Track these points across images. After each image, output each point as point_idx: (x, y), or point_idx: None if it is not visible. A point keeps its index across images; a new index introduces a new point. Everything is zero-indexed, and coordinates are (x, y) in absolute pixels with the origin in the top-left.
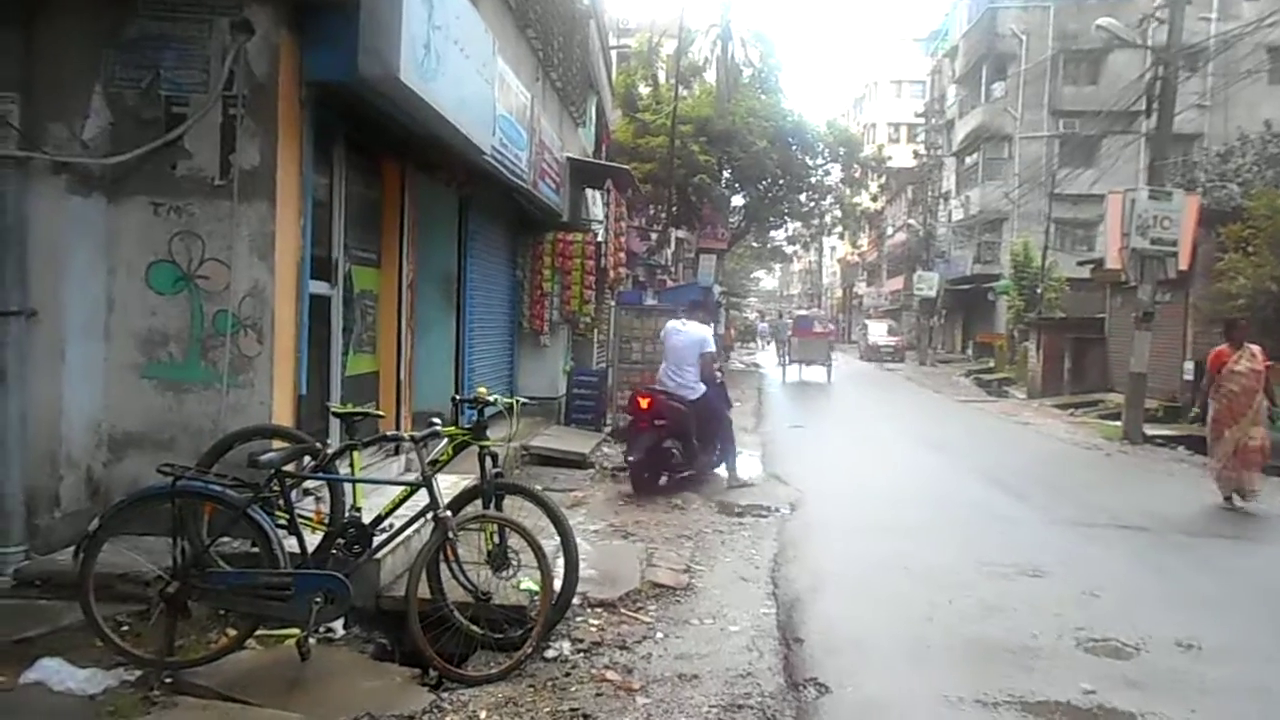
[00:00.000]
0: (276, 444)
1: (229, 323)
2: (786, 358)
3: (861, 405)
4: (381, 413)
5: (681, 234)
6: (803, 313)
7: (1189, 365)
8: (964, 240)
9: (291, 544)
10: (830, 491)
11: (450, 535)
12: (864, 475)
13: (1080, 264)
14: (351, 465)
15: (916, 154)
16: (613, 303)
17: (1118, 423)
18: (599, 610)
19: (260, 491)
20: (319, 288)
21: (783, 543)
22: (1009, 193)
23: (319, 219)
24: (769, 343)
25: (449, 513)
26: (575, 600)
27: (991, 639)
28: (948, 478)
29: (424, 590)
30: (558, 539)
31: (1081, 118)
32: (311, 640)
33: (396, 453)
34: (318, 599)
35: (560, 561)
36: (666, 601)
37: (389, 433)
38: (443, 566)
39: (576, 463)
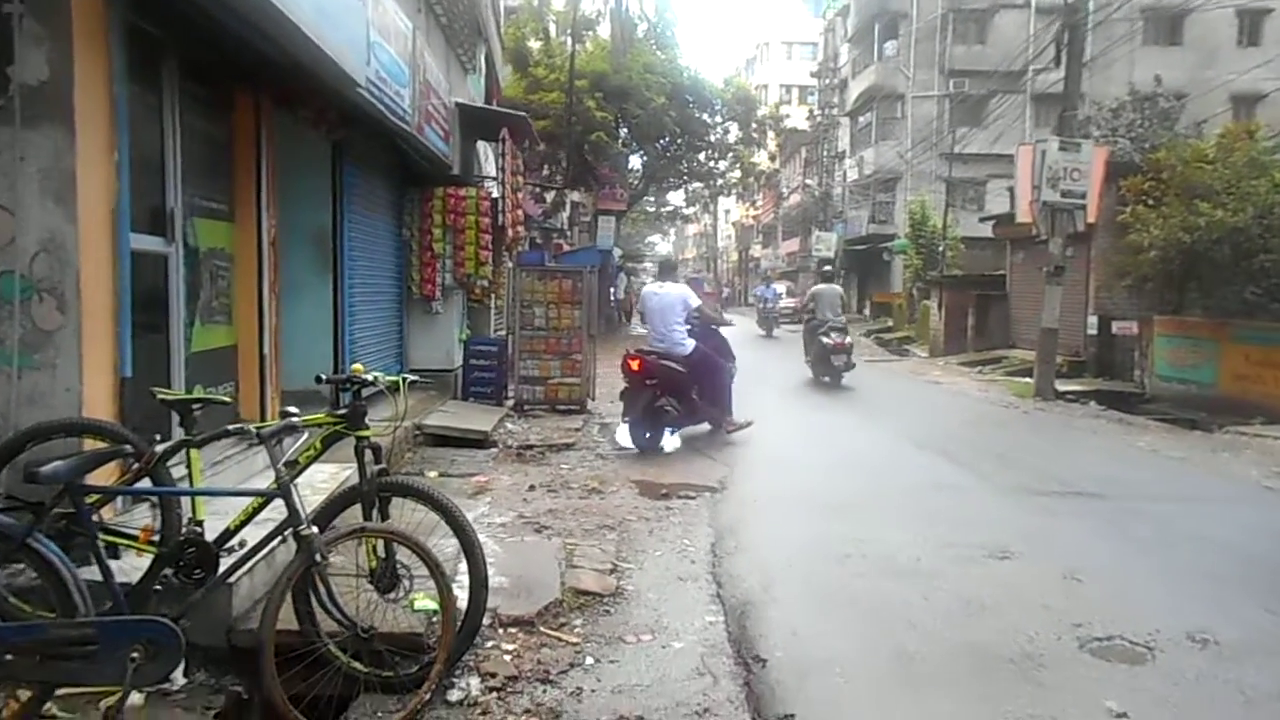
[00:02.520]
0: (89, 443)
1: (15, 287)
2: None
3: (770, 368)
4: (226, 398)
5: (577, 197)
6: (693, 276)
7: (1093, 320)
8: (860, 200)
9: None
10: (759, 464)
11: (317, 558)
12: (790, 443)
13: (982, 220)
14: (189, 468)
15: (810, 115)
16: (511, 265)
17: (1026, 379)
18: (514, 631)
19: (45, 513)
20: (148, 243)
21: (719, 529)
22: (903, 153)
23: (145, 158)
24: None
25: (314, 529)
26: (484, 620)
27: (985, 646)
28: (877, 443)
29: (292, 620)
30: (459, 545)
31: (972, 77)
32: (136, 698)
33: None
34: (134, 653)
35: (464, 578)
36: (594, 612)
37: (231, 426)
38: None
39: (477, 442)
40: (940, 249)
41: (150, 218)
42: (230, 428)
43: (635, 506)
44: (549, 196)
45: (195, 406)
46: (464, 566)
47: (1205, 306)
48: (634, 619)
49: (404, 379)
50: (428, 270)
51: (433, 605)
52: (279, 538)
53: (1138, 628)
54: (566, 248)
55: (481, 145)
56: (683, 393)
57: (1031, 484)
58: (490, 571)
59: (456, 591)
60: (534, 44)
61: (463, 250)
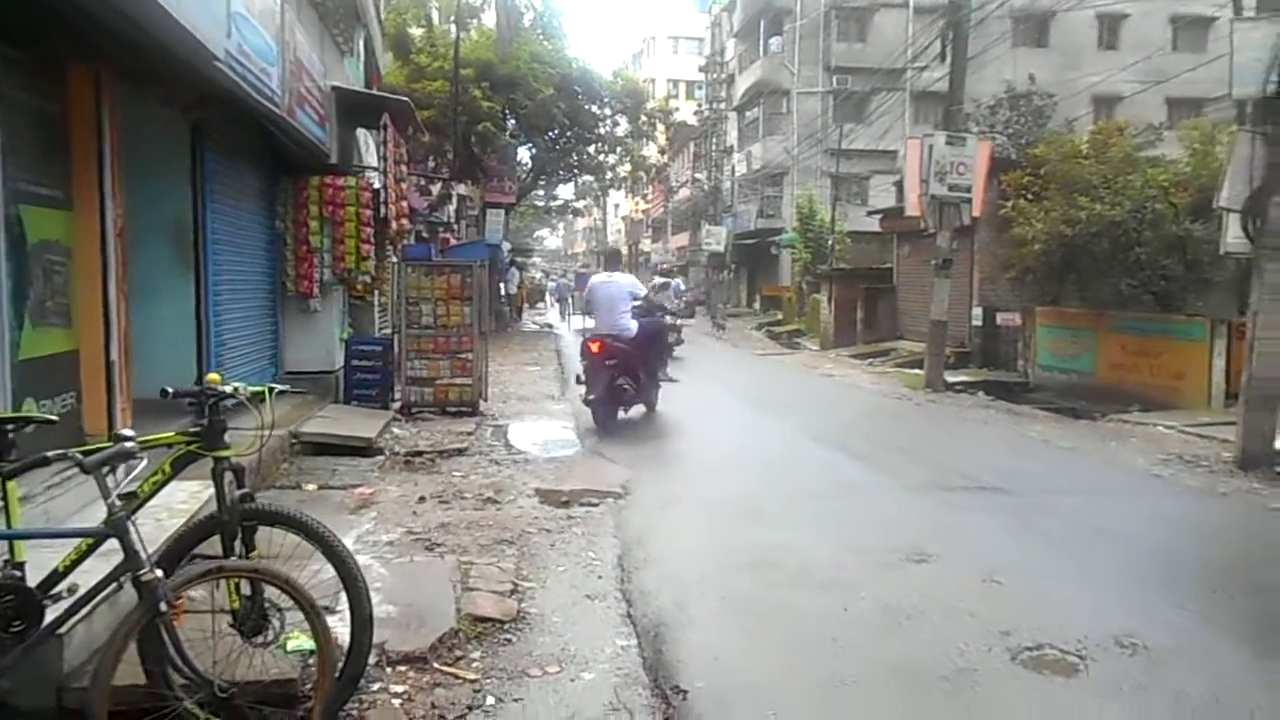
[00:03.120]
0: None
1: None
2: (570, 308)
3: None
4: (52, 416)
5: (464, 190)
6: (583, 271)
7: (977, 312)
8: (748, 195)
9: None
10: (660, 465)
11: (162, 606)
12: (690, 441)
13: (870, 214)
14: (4, 500)
15: (698, 111)
16: (396, 259)
17: (916, 371)
18: (404, 669)
19: None
20: None
21: (625, 540)
22: (789, 148)
23: None
24: (557, 301)
25: (158, 572)
26: (370, 659)
27: (915, 662)
28: (778, 439)
29: (139, 674)
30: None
31: (854, 74)
32: None
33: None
34: None
35: (344, 615)
36: (494, 642)
37: (51, 452)
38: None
39: (361, 450)
40: (829, 243)
41: None
42: (50, 454)
43: (535, 517)
44: (435, 189)
45: (9, 427)
46: (347, 613)
47: (1084, 298)
48: (539, 648)
49: (270, 389)
50: (304, 265)
51: (309, 644)
52: (114, 584)
53: (1065, 634)
54: (454, 241)
55: (363, 134)
56: (634, 372)
57: (936, 479)
58: (377, 600)
59: (337, 629)
60: (416, 31)
61: (342, 244)
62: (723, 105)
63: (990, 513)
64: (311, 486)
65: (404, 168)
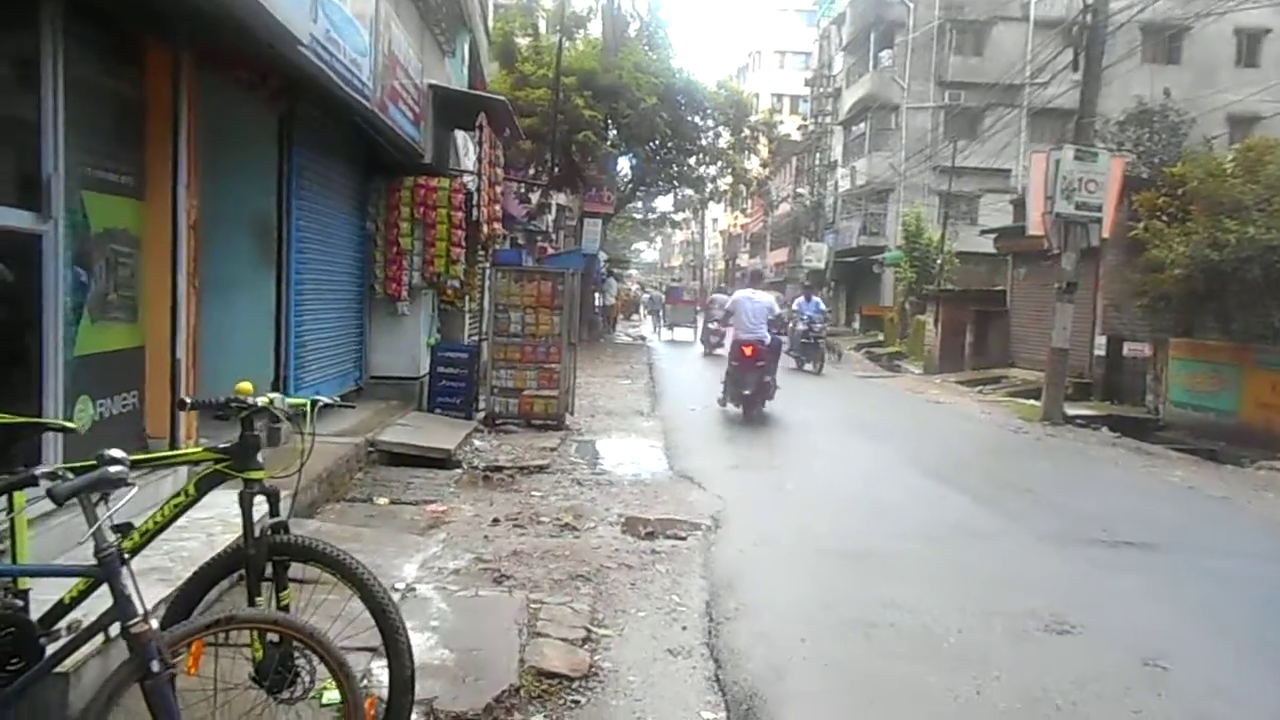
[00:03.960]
0: None
1: None
2: (662, 320)
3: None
4: (69, 424)
5: (564, 200)
6: (675, 285)
7: (1101, 340)
8: (851, 211)
9: None
10: (756, 496)
11: (154, 665)
12: (788, 469)
13: (984, 233)
14: (10, 514)
15: (802, 126)
16: (487, 264)
17: (1030, 401)
18: None
19: None
20: (12, 218)
21: (714, 582)
22: (896, 164)
23: (9, 114)
24: (650, 314)
25: (152, 623)
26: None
27: None
28: (884, 472)
29: None
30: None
31: (968, 89)
32: None
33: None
34: None
35: (384, 676)
36: (559, 704)
37: (38, 470)
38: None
39: (439, 462)
40: (938, 262)
41: (20, 185)
42: (38, 472)
43: (615, 549)
44: (534, 197)
45: (24, 431)
46: (386, 674)
47: (1224, 329)
48: (611, 713)
49: (312, 403)
50: (393, 268)
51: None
52: (100, 631)
53: None
54: (551, 250)
55: (461, 138)
56: (770, 371)
57: (1069, 529)
58: (432, 642)
59: (374, 690)
60: (522, 41)
61: (432, 247)
62: (828, 119)
63: (1138, 574)
64: (383, 500)
65: (499, 171)
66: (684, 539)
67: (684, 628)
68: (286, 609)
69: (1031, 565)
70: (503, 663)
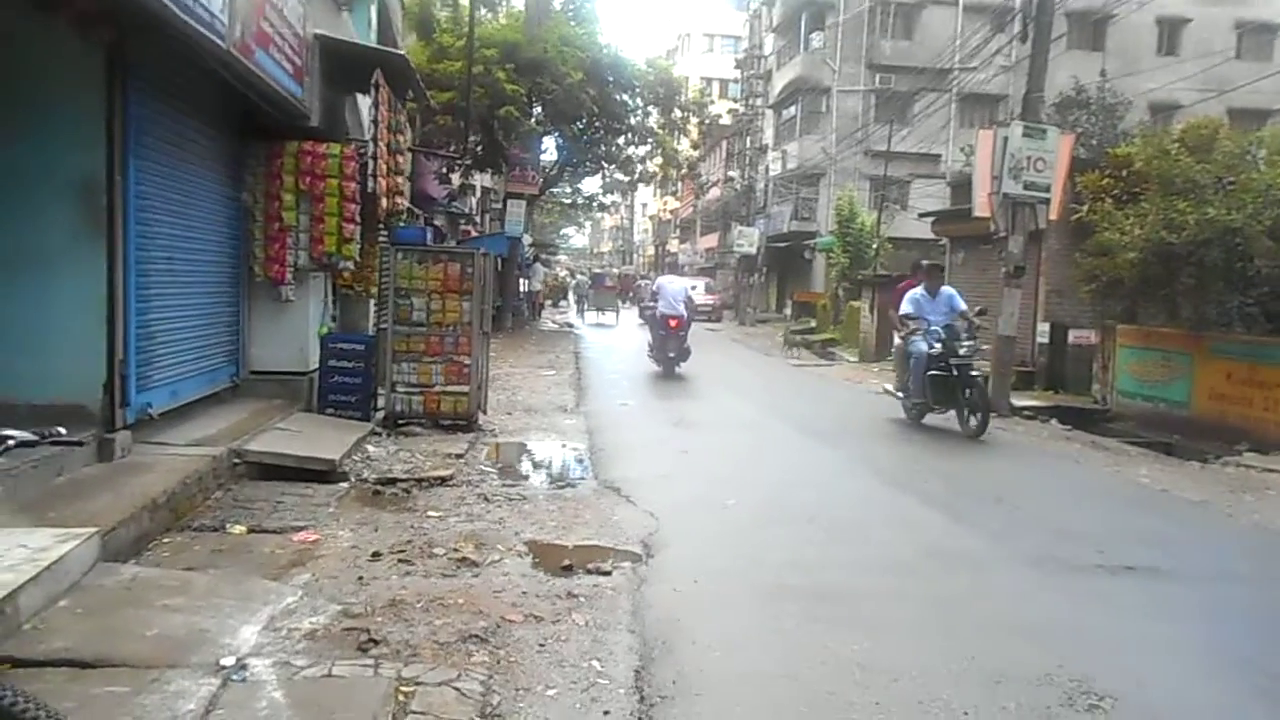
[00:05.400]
0: None
1: None
2: (585, 305)
3: (693, 371)
4: None
5: (488, 182)
6: (598, 271)
7: (1044, 328)
8: (783, 196)
9: None
10: (694, 513)
11: None
12: (729, 478)
13: (921, 216)
14: None
15: (732, 110)
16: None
17: None
18: None
19: None
20: None
21: (646, 640)
22: (827, 148)
23: None
24: (577, 299)
25: None
26: None
27: None
28: (837, 478)
29: None
30: None
31: (898, 73)
32: None
33: None
34: None
35: None
36: None
37: None
38: None
39: (321, 474)
40: (874, 247)
41: None
42: None
43: (522, 592)
44: (455, 177)
45: None
46: None
47: (1178, 316)
48: None
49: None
50: (275, 246)
51: None
52: None
53: None
54: (475, 234)
55: (366, 106)
56: (686, 338)
57: (1059, 551)
58: None
59: None
60: (441, 13)
61: (321, 223)
62: (759, 102)
63: (1157, 612)
64: (238, 529)
65: (402, 138)
66: (608, 574)
67: (606, 713)
68: None
69: (1030, 603)
70: None
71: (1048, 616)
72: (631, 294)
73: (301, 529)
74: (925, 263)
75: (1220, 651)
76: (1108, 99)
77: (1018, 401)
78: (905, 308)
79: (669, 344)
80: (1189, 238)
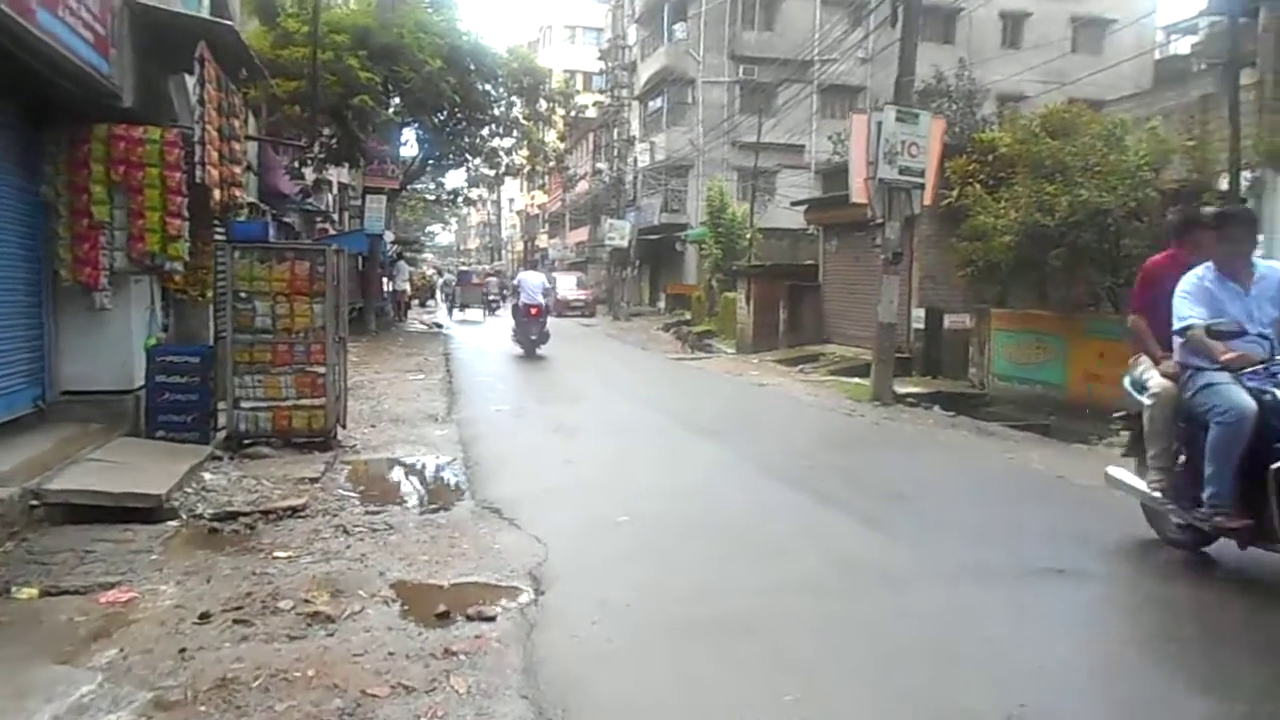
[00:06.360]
0: None
1: None
2: (454, 303)
3: (572, 370)
4: None
5: (346, 178)
6: (465, 269)
7: (919, 313)
8: (652, 188)
9: None
10: (584, 534)
11: None
12: (620, 489)
13: (794, 204)
14: None
15: (598, 102)
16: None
17: (855, 380)
18: None
19: None
20: None
21: (541, 711)
22: (694, 139)
23: None
24: (445, 298)
25: None
26: None
27: None
28: (735, 482)
29: None
30: None
31: (761, 65)
32: None
33: None
34: None
35: None
36: None
37: None
38: None
39: (143, 513)
40: (748, 238)
41: None
42: None
43: (389, 652)
44: (307, 172)
45: None
46: None
47: (1048, 298)
48: None
49: None
50: (84, 246)
51: None
52: None
53: None
54: (332, 232)
55: (195, 87)
56: (543, 322)
57: (978, 555)
58: None
59: None
60: None
61: (141, 218)
62: (625, 93)
63: (1105, 623)
64: (27, 592)
65: (236, 122)
66: (493, 619)
67: None
68: None
69: (967, 623)
70: None
71: (988, 638)
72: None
73: (113, 585)
74: (1213, 210)
75: (1163, 665)
76: (966, 87)
77: (899, 389)
78: (1186, 308)
79: (530, 328)
80: (1061, 219)
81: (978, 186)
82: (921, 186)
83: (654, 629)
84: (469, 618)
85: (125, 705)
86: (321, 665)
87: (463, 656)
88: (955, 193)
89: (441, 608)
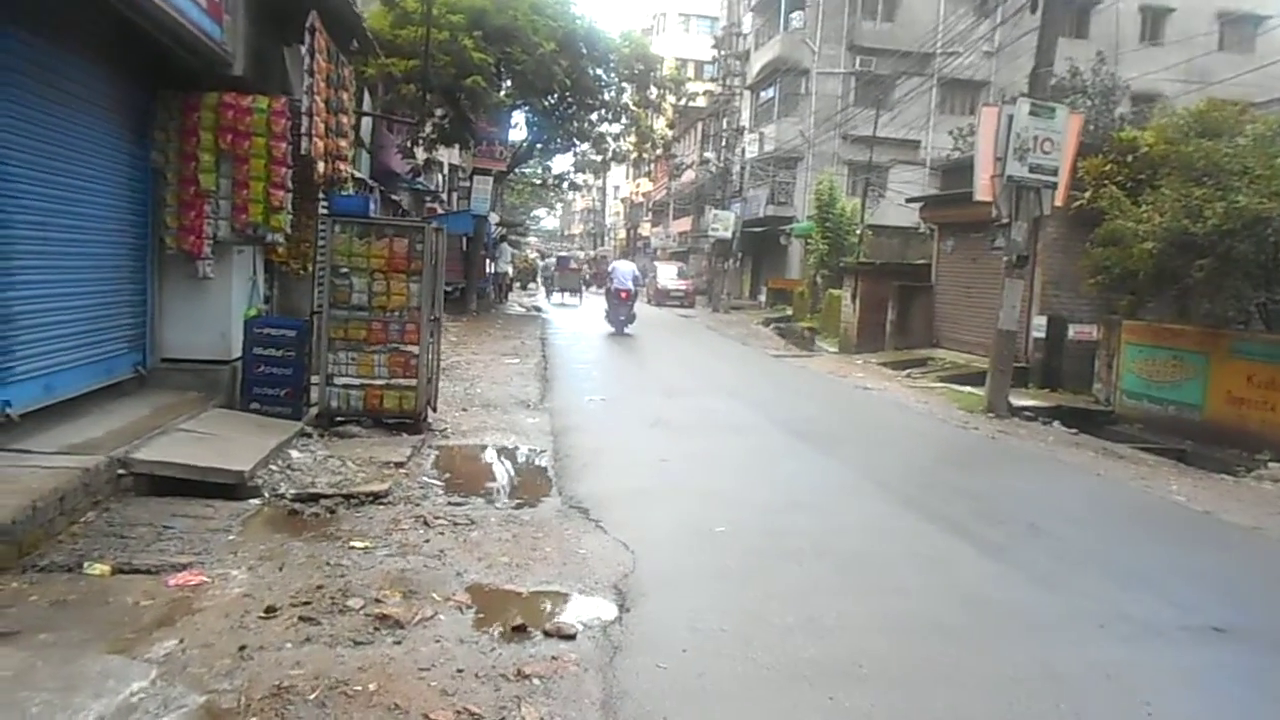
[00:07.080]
0: None
1: None
2: (553, 286)
3: (670, 362)
4: None
5: (456, 159)
6: (563, 255)
7: (1040, 321)
8: (759, 179)
9: None
10: (676, 543)
11: None
12: (718, 495)
13: (909, 201)
14: None
15: (709, 91)
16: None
17: (966, 388)
18: None
19: None
20: None
21: None
22: (805, 131)
23: None
24: (544, 282)
25: None
26: None
27: None
28: (845, 499)
29: None
30: None
31: (879, 56)
32: None
33: None
34: None
35: None
36: None
37: None
38: None
39: (226, 489)
40: (857, 234)
41: None
42: None
43: (458, 669)
44: (419, 151)
45: None
46: None
47: (1189, 312)
48: None
49: None
50: (190, 215)
51: None
52: None
53: None
54: (440, 212)
55: (304, 57)
56: (633, 306)
57: (1127, 604)
58: None
59: None
60: None
61: (245, 188)
62: (736, 82)
63: (1275, 698)
64: (99, 568)
65: (347, 96)
66: (572, 638)
67: None
68: None
69: (1122, 695)
70: None
71: (1144, 708)
72: (595, 275)
73: (184, 567)
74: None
75: None
76: (1104, 83)
77: (1016, 401)
78: None
79: (620, 310)
80: (1213, 227)
81: (1115, 188)
82: (1053, 186)
83: (752, 665)
84: (547, 634)
85: (174, 709)
86: (384, 678)
87: (537, 681)
88: (1088, 195)
89: (518, 620)
